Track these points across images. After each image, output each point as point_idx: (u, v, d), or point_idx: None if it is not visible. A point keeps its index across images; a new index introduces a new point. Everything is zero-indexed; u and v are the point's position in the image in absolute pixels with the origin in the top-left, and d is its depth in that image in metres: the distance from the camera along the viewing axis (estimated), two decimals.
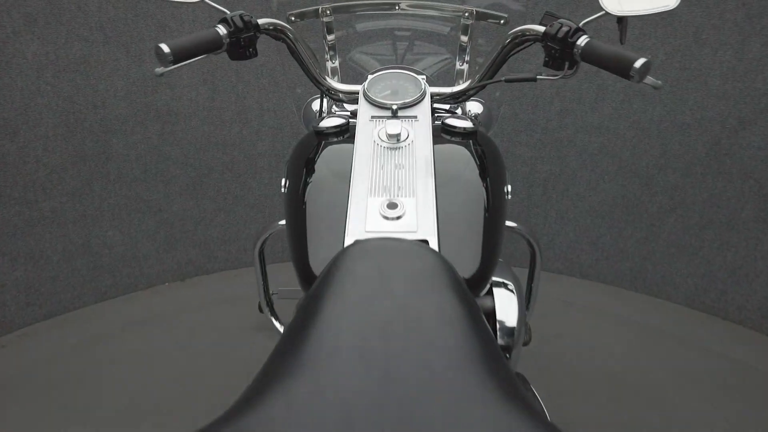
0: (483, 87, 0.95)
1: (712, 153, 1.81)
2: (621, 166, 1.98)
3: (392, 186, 0.70)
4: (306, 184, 0.79)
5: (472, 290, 0.70)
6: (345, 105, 1.07)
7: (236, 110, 2.01)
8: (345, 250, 0.54)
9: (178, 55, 0.77)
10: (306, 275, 0.71)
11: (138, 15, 1.76)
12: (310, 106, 1.15)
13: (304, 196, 0.77)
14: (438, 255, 0.54)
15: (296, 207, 0.77)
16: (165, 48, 0.76)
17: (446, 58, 1.10)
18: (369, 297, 0.46)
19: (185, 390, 1.60)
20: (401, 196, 0.69)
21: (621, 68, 0.74)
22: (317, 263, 0.71)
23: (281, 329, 1.26)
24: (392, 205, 0.67)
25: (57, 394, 1.58)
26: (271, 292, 1.33)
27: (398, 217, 0.66)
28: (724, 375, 1.69)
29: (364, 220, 0.66)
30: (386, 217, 0.66)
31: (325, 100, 1.05)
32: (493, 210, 0.76)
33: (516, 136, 2.06)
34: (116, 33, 1.75)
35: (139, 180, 1.95)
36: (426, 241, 0.63)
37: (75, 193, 1.84)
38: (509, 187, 0.85)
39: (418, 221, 0.66)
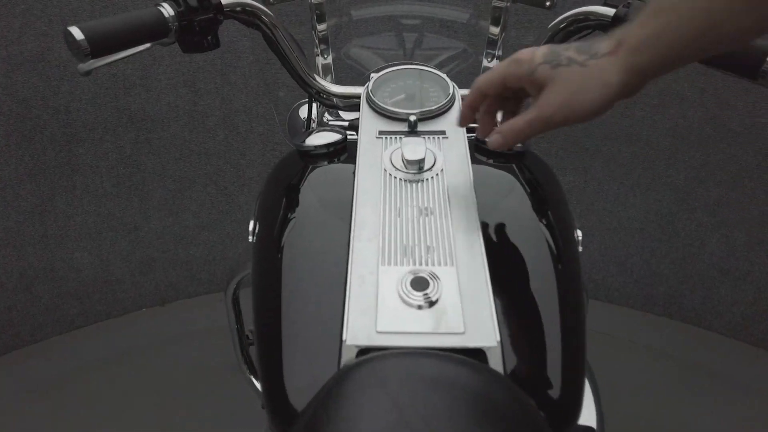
0: None
1: (765, 164, 1.58)
2: (654, 178, 1.75)
3: (417, 246, 0.44)
4: (281, 234, 0.54)
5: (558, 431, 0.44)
6: (342, 113, 0.84)
7: (221, 115, 1.78)
8: (342, 376, 0.31)
9: (100, 45, 0.53)
10: (278, 403, 0.45)
11: (107, 5, 1.54)
12: (297, 113, 0.91)
13: (280, 257, 0.53)
14: (507, 384, 0.31)
15: (267, 274, 0.53)
16: (77, 33, 0.52)
17: (470, 55, 0.87)
18: None
19: None
20: (433, 263, 0.43)
21: (741, 64, 0.51)
22: (296, 386, 0.44)
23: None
24: (420, 283, 0.41)
25: None
26: (248, 337, 1.07)
27: (431, 304, 0.40)
28: None
29: (373, 312, 0.40)
30: (410, 305, 0.40)
31: (314, 107, 0.81)
32: (567, 276, 0.51)
33: (534, 142, 1.83)
34: None
35: (110, 194, 1.72)
36: (482, 353, 0.37)
37: (34, 210, 1.61)
38: (579, 233, 0.60)
39: (465, 312, 0.39)
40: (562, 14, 0.66)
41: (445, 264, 0.43)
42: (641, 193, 1.79)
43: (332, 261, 0.49)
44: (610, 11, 0.61)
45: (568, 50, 0.45)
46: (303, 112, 0.90)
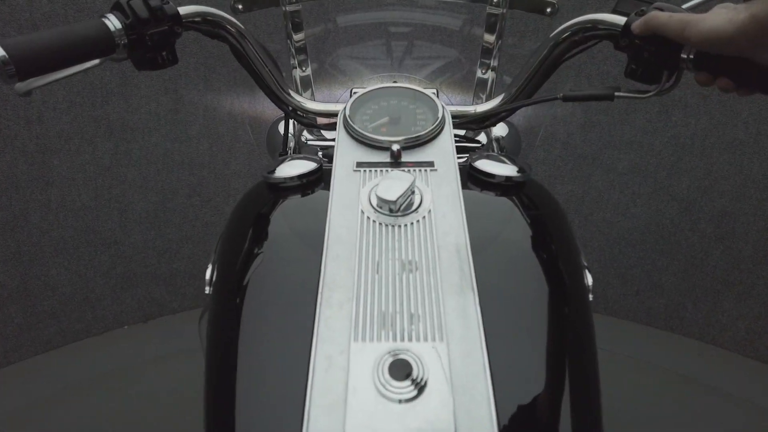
0: (518, 108, 0.65)
1: None
2: (656, 187, 1.69)
3: (398, 314, 0.36)
4: (242, 288, 0.46)
5: None
6: (324, 132, 0.76)
7: (204, 123, 1.71)
8: None
9: (28, 65, 0.46)
10: None
11: (81, 9, 1.46)
12: (277, 129, 0.84)
13: (237, 321, 0.45)
14: None
15: (220, 343, 0.45)
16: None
17: (462, 65, 0.80)
18: None
19: None
20: (417, 338, 0.34)
21: None
22: None
23: None
24: (401, 368, 0.33)
25: None
26: None
27: (414, 397, 0.32)
28: None
29: (341, 408, 0.31)
30: (389, 398, 0.32)
31: (291, 126, 0.74)
32: (579, 340, 0.43)
33: (532, 150, 1.77)
34: None
35: (88, 208, 1.64)
36: None
37: (5, 226, 1.53)
38: (590, 277, 0.52)
39: (457, 405, 0.31)
40: (565, 22, 0.59)
41: (433, 339, 0.34)
42: (642, 203, 1.72)
43: (301, 330, 0.40)
44: (621, 20, 0.54)
45: None
46: (283, 129, 0.83)
